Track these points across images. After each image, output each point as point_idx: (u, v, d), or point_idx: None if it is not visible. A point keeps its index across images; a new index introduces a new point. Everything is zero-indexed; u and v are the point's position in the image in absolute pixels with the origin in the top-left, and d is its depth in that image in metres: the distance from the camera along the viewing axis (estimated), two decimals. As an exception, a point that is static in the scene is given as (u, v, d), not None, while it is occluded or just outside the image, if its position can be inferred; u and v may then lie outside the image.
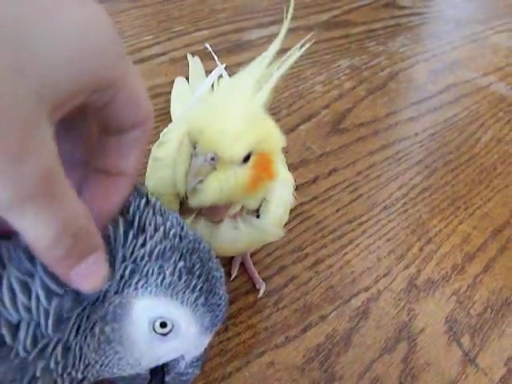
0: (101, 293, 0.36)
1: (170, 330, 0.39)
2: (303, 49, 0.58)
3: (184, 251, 0.38)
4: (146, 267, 0.37)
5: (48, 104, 0.27)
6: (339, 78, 1.03)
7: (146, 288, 0.37)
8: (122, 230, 0.36)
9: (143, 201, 0.38)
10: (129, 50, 0.95)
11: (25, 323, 0.34)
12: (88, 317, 0.36)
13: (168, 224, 0.39)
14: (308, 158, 0.86)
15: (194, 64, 0.94)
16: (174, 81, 0.89)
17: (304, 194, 0.81)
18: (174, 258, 0.38)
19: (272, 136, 0.53)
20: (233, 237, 0.57)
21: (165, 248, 0.37)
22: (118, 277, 0.36)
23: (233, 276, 0.68)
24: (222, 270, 0.43)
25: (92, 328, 0.37)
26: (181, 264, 0.38)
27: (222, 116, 0.49)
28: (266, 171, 0.52)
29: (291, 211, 0.74)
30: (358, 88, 1.02)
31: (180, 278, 0.38)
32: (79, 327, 0.36)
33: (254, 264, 0.70)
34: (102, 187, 0.36)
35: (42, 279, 0.33)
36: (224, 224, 0.56)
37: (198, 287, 0.39)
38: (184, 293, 0.38)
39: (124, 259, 0.36)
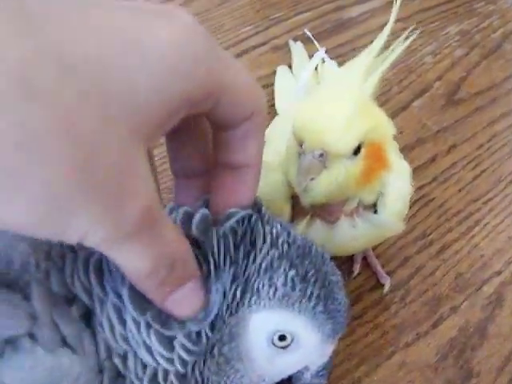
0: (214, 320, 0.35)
1: (291, 342, 0.37)
2: (409, 40, 0.54)
3: (294, 258, 0.36)
4: (257, 282, 0.35)
5: (142, 137, 0.27)
6: (450, 46, 0.95)
7: (260, 303, 0.35)
8: (231, 244, 0.34)
9: (254, 216, 0.36)
10: (227, 44, 0.91)
11: (132, 354, 0.34)
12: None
13: (274, 231, 0.36)
14: (424, 136, 0.80)
15: (297, 50, 0.89)
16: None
17: (423, 176, 0.75)
18: (283, 267, 0.35)
19: (382, 124, 0.50)
20: (351, 235, 0.54)
21: (272, 258, 0.35)
22: (229, 299, 0.34)
23: (355, 273, 0.64)
24: (339, 273, 0.40)
25: (211, 352, 0.35)
26: (292, 272, 0.35)
27: (327, 109, 0.47)
28: (380, 161, 0.49)
29: (411, 197, 0.69)
30: (471, 54, 0.94)
31: (294, 288, 0.35)
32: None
33: (376, 257, 0.65)
34: (228, 182, 0.36)
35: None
36: (340, 223, 0.53)
37: (315, 294, 0.36)
38: (300, 302, 0.35)
39: (235, 278, 0.34)
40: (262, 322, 0.36)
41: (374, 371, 0.56)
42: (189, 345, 0.34)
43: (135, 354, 0.33)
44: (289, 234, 0.37)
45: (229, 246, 0.34)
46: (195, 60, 0.28)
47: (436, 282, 0.64)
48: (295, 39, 0.92)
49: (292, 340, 0.37)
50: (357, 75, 0.51)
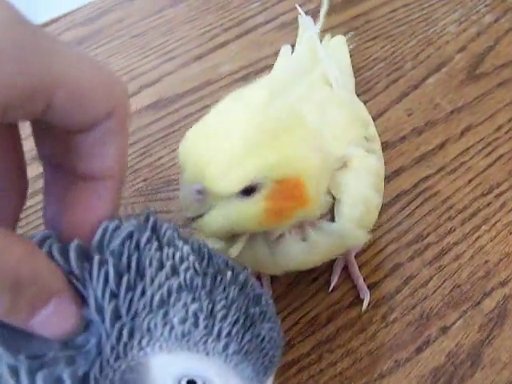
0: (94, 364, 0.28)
1: None
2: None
3: (199, 288, 0.28)
4: (147, 320, 0.27)
5: None
6: (478, 12, 0.80)
7: (154, 345, 0.27)
8: (112, 276, 0.27)
9: (145, 235, 0.28)
10: (232, 23, 0.79)
11: None
12: None
13: (178, 255, 0.28)
14: (435, 117, 0.67)
15: (305, 26, 0.76)
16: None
17: (428, 166, 0.63)
18: (183, 301, 0.27)
19: (298, 155, 0.38)
20: (301, 250, 0.43)
21: (170, 289, 0.27)
22: (113, 340, 0.27)
23: (331, 286, 0.53)
24: (269, 302, 0.31)
25: None
26: (194, 306, 0.27)
27: (214, 138, 0.36)
28: (294, 199, 0.38)
29: (411, 190, 0.57)
30: (502, 20, 0.79)
31: (196, 325, 0.27)
32: None
33: (360, 266, 0.54)
34: (82, 196, 0.29)
35: None
36: (287, 237, 0.43)
37: (225, 332, 0.28)
38: (206, 342, 0.28)
39: (118, 316, 0.27)
40: (163, 366, 0.28)
41: (338, 409, 0.46)
42: None
43: None
44: (202, 257, 0.29)
45: (108, 276, 0.27)
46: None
47: (427, 296, 0.52)
48: (307, 14, 0.79)
49: None
50: (260, 96, 0.39)
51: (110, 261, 0.28)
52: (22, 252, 0.25)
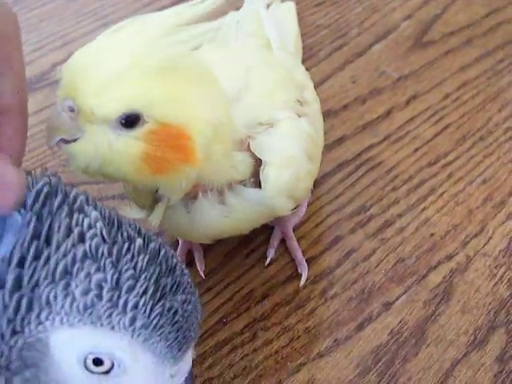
0: None
1: (112, 367, 0.27)
2: None
3: (105, 257, 0.26)
4: (46, 291, 0.25)
5: None
6: (426, -21, 0.76)
7: (54, 319, 0.25)
8: (27, 242, 0.25)
9: (58, 199, 0.26)
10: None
11: None
12: None
13: (86, 222, 0.26)
14: (381, 85, 0.63)
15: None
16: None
17: (372, 135, 0.58)
18: (86, 270, 0.25)
19: (190, 103, 0.33)
20: (218, 215, 0.39)
21: (74, 259, 0.25)
22: (11, 313, 0.25)
23: (268, 260, 0.49)
24: (183, 272, 0.29)
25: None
26: (98, 276, 0.25)
27: (102, 57, 0.31)
28: (178, 151, 0.33)
29: (353, 160, 0.53)
30: (451, -13, 0.75)
31: (100, 297, 0.25)
32: None
33: (298, 239, 0.50)
34: None
35: None
36: (203, 199, 0.38)
37: (131, 304, 0.26)
38: (110, 315, 0.25)
39: (18, 287, 0.25)
40: (65, 342, 0.26)
41: (275, 390, 0.41)
42: None
43: None
44: (111, 224, 0.27)
45: (24, 241, 0.25)
46: None
47: (369, 270, 0.48)
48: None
49: (113, 364, 0.27)
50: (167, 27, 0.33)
51: (32, 223, 0.25)
52: None
